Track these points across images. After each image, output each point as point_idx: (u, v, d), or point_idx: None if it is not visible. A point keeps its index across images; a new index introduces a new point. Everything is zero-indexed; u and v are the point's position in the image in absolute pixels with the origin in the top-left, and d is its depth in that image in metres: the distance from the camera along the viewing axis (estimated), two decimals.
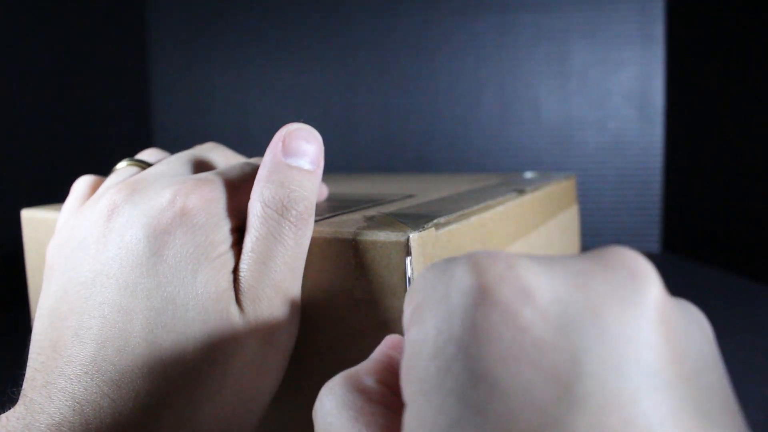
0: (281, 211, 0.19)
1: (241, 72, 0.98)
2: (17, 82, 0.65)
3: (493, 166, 0.87)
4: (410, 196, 0.29)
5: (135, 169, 0.23)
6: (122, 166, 0.23)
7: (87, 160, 0.81)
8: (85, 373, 0.17)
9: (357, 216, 0.22)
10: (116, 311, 0.17)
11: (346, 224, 0.21)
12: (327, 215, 0.23)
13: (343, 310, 0.20)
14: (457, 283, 0.11)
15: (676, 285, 0.63)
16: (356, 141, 0.93)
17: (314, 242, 0.20)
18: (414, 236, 0.19)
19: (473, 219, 0.23)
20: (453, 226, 0.22)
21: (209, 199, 0.19)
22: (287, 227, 0.19)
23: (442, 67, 0.88)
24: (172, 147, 1.23)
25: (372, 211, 0.24)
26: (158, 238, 0.18)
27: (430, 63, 0.88)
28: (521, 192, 0.30)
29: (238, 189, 0.20)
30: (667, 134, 0.84)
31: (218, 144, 0.25)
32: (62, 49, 0.74)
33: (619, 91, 0.83)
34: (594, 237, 0.86)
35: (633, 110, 0.84)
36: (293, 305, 0.20)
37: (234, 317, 0.18)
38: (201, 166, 0.23)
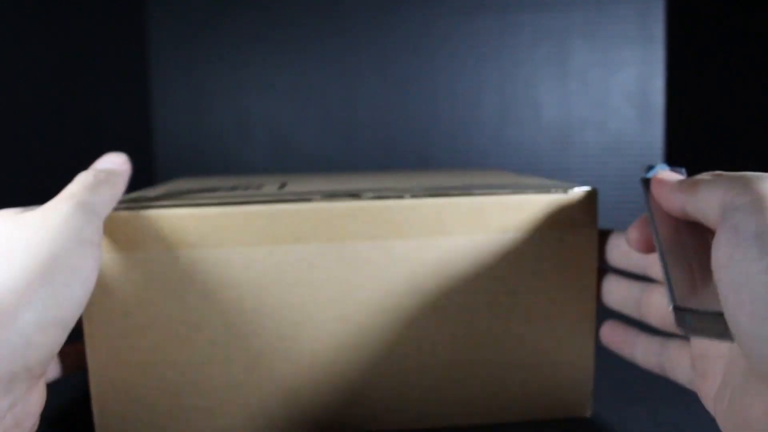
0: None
1: (240, 72, 0.98)
2: (17, 82, 0.65)
3: (493, 166, 0.87)
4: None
5: None
6: None
7: (87, 160, 0.80)
8: None
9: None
10: None
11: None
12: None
13: None
14: None
15: None
16: (356, 141, 0.93)
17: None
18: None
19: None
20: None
21: None
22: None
23: (442, 67, 0.88)
24: (173, 147, 1.22)
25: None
26: None
27: (430, 63, 0.88)
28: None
29: None
30: (667, 134, 0.84)
31: None
32: (62, 48, 0.74)
33: (619, 91, 0.83)
34: None
35: (633, 110, 0.84)
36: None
37: None
38: None
